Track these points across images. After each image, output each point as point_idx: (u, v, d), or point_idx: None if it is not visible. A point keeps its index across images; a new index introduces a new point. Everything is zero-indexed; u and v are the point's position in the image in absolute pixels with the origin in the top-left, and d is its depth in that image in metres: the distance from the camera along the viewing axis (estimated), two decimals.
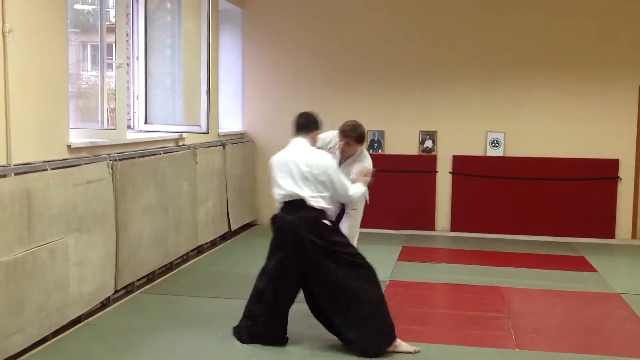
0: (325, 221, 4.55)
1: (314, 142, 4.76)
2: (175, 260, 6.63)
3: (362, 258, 4.59)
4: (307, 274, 4.51)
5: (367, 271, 4.54)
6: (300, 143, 4.70)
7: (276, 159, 4.71)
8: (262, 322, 4.60)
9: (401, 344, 4.50)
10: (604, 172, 8.61)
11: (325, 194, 4.56)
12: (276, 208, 4.72)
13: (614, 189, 8.62)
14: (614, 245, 8.34)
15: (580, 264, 7.16)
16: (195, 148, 7.18)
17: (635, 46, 8.51)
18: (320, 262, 4.45)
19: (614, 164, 8.60)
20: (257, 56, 9.26)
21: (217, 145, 7.92)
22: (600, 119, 8.64)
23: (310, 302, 4.62)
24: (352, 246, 4.67)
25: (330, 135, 5.20)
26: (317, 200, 4.51)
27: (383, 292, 4.68)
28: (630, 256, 7.76)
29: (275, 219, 4.66)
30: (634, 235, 8.65)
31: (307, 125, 4.75)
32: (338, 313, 4.45)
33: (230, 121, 9.21)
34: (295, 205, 4.51)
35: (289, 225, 4.50)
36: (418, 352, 4.47)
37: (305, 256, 4.46)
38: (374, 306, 4.47)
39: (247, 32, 9.24)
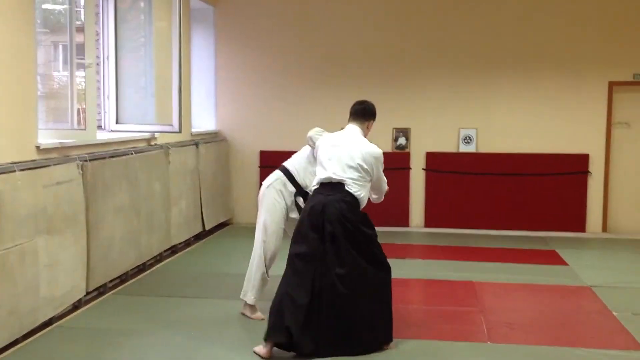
0: (358, 210, 4.54)
1: (367, 132, 4.77)
2: (148, 260, 6.59)
3: (384, 256, 4.60)
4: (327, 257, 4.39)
5: (384, 270, 4.56)
6: (353, 130, 4.69)
7: (326, 142, 4.68)
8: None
9: None
10: (574, 166, 8.73)
11: (366, 183, 4.56)
12: (311, 188, 4.72)
13: (584, 184, 8.75)
14: (585, 238, 8.46)
15: (551, 258, 7.25)
16: (168, 148, 7.14)
17: (604, 43, 8.63)
18: (343, 247, 4.38)
19: (584, 159, 8.72)
20: (230, 55, 9.23)
21: (190, 145, 7.88)
22: (570, 115, 8.75)
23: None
24: (377, 242, 4.61)
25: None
26: (356, 186, 4.49)
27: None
28: (600, 249, 7.87)
29: (310, 197, 4.63)
30: (604, 229, 8.78)
31: (363, 113, 4.75)
32: (350, 303, 4.36)
33: (203, 120, 9.17)
34: (333, 187, 4.49)
35: (321, 205, 4.43)
36: (386, 349, 4.50)
37: (331, 237, 4.38)
38: (383, 303, 4.51)
39: (219, 30, 9.21)
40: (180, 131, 7.07)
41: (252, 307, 5.12)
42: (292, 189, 5.11)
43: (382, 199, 4.87)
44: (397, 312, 5.26)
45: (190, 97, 8.34)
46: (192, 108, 8.49)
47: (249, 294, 5.13)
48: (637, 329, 4.89)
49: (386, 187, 4.80)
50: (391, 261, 6.36)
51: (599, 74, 8.65)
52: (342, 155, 4.53)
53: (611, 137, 8.71)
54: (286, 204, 5.10)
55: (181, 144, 7.60)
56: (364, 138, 4.68)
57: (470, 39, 8.85)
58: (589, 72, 8.67)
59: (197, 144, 8.04)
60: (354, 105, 4.80)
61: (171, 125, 7.02)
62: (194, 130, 8.38)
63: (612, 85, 8.64)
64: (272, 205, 5.10)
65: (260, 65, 9.20)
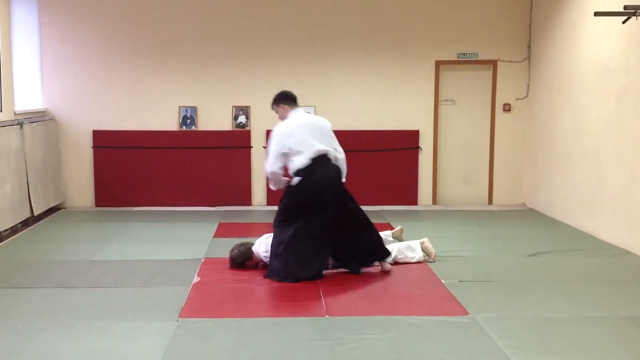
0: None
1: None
2: None
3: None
4: None
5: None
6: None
7: None
8: None
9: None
10: (406, 142, 9.15)
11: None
12: None
13: (416, 159, 9.19)
14: (417, 211, 8.91)
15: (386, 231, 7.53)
16: None
17: (431, 23, 9.07)
18: None
19: (415, 135, 9.16)
20: (55, 27, 8.67)
21: (13, 125, 7.34)
22: (402, 93, 9.14)
23: None
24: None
25: None
26: None
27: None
28: (431, 221, 8.31)
29: None
30: (434, 201, 9.30)
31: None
32: None
33: (28, 99, 8.56)
34: None
35: None
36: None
37: None
38: None
39: (42, 0, 8.60)
40: (0, 110, 6.55)
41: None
42: None
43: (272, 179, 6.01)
44: (240, 292, 5.27)
45: (11, 74, 7.75)
46: (14, 86, 7.89)
47: None
48: (463, 296, 5.21)
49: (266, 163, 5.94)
50: (233, 241, 6.39)
51: (426, 54, 9.10)
52: None
53: (438, 114, 9.20)
54: None
55: (3, 124, 7.06)
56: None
57: (307, 18, 8.94)
58: (417, 53, 9.08)
59: (21, 124, 7.51)
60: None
61: None
62: (17, 109, 7.81)
63: (438, 64, 9.11)
64: None
65: (89, 39, 8.74)
